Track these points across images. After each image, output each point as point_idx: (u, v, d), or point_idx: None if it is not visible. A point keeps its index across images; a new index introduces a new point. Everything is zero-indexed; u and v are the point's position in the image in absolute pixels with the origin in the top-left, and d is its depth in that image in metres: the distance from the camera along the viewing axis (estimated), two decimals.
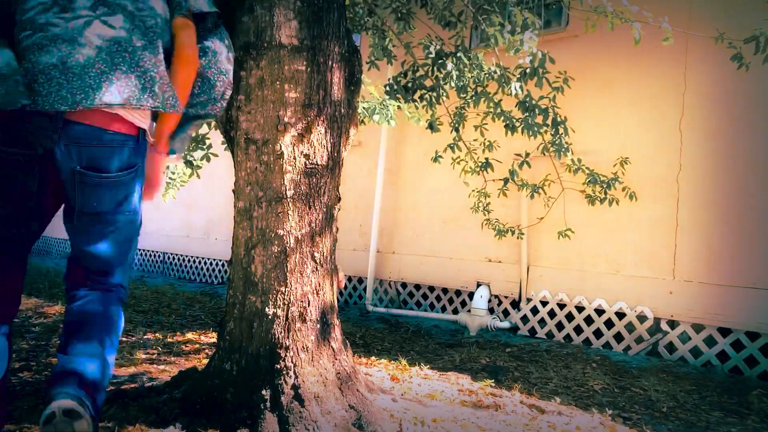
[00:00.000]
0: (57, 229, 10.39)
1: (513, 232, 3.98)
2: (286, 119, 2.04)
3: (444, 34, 3.62)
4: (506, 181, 3.79)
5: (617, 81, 4.01)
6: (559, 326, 4.10)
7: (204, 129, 3.39)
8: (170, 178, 3.47)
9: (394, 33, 3.56)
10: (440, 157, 3.93)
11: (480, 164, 3.80)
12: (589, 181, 3.62)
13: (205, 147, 3.35)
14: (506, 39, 2.97)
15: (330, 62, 2.12)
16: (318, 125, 2.09)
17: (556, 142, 3.50)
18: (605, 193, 3.62)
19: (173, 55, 1.78)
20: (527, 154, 3.71)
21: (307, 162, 2.07)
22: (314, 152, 2.08)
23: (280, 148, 2.03)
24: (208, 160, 3.38)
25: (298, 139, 2.06)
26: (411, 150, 5.13)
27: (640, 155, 3.85)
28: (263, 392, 1.92)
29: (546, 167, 4.02)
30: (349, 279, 5.46)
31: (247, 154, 2.07)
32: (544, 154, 3.69)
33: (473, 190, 4.04)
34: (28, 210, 1.70)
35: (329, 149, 2.13)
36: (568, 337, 4.05)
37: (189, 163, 3.41)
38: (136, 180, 1.74)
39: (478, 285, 4.51)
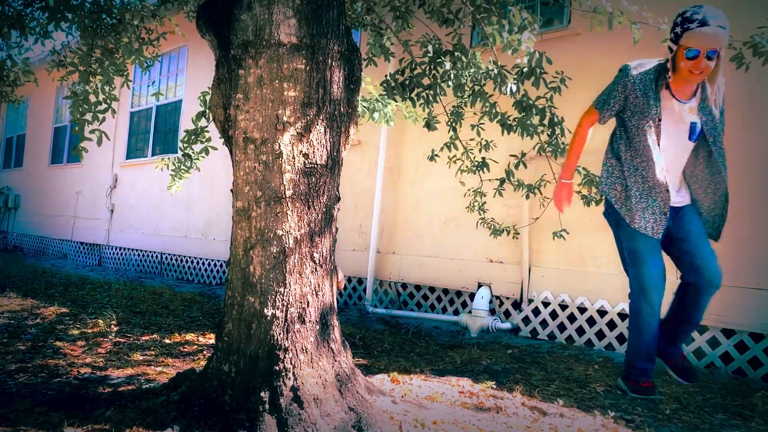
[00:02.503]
0: (54, 229, 10.41)
1: (508, 232, 3.95)
2: (285, 118, 2.02)
3: (443, 33, 3.60)
4: (502, 181, 3.76)
5: None
6: (561, 327, 4.08)
7: (203, 122, 3.38)
8: (172, 171, 3.46)
9: (392, 31, 3.53)
10: (436, 155, 3.90)
11: (476, 164, 3.78)
12: (585, 182, 3.59)
13: (204, 140, 3.34)
14: (504, 38, 2.95)
15: (329, 60, 2.09)
16: (317, 124, 2.06)
17: (553, 143, 3.48)
18: (601, 195, 3.58)
19: None
20: (523, 155, 3.68)
21: (306, 161, 2.05)
22: (313, 152, 2.06)
23: (279, 148, 2.01)
24: (207, 153, 3.36)
25: (297, 138, 2.03)
26: (411, 150, 5.11)
27: None
28: (262, 394, 1.90)
29: (545, 167, 4.00)
30: (349, 280, 5.43)
31: (246, 153, 2.05)
32: (541, 154, 3.67)
33: (469, 190, 4.02)
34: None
35: (329, 148, 2.11)
36: (570, 338, 4.02)
37: (187, 156, 3.40)
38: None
39: (479, 286, 4.49)
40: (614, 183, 2.76)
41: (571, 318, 4.04)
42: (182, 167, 3.43)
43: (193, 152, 3.41)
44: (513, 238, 4.10)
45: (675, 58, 2.55)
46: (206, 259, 7.12)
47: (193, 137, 3.35)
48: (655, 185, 2.60)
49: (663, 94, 2.63)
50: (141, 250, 8.28)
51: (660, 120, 2.61)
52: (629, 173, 2.67)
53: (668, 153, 2.67)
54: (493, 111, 3.44)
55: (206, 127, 3.39)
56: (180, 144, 3.45)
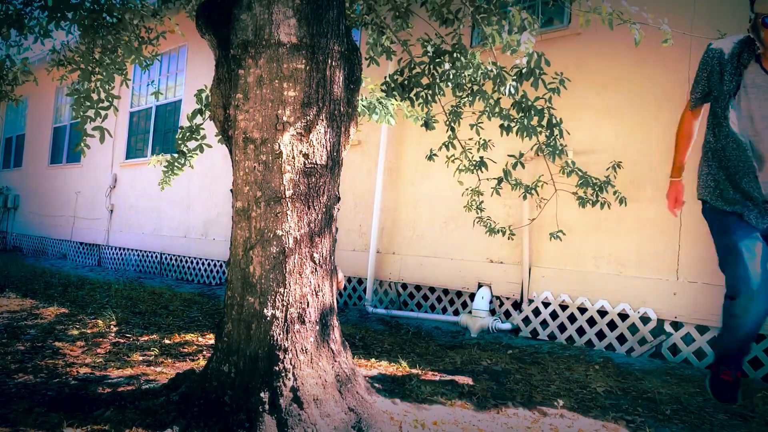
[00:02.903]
0: (53, 229, 10.39)
1: (504, 232, 3.94)
2: (285, 118, 2.01)
3: (443, 32, 3.59)
4: (500, 180, 3.76)
5: (620, 79, 3.98)
6: (562, 328, 4.07)
7: (198, 120, 3.37)
8: (164, 168, 3.44)
9: (392, 30, 3.53)
10: (435, 155, 3.90)
11: (474, 163, 3.77)
12: (580, 184, 3.58)
13: (199, 137, 3.32)
14: (504, 39, 2.95)
15: (329, 60, 2.09)
16: (317, 124, 2.06)
17: (551, 144, 3.47)
18: (597, 196, 3.57)
19: None
20: (521, 155, 3.67)
21: (306, 161, 2.04)
22: (313, 151, 2.06)
23: (279, 148, 2.00)
24: (201, 150, 3.35)
25: (297, 138, 2.03)
26: (411, 149, 5.10)
27: (643, 155, 3.82)
28: (261, 394, 1.89)
29: (543, 167, 3.99)
30: (349, 280, 5.43)
31: (246, 153, 2.04)
32: (538, 155, 3.66)
33: (467, 189, 4.01)
34: None
35: (329, 148, 2.10)
36: (570, 338, 4.02)
37: (182, 153, 3.39)
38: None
39: (480, 286, 4.48)
40: (707, 180, 2.48)
41: (572, 318, 4.04)
42: (176, 164, 3.41)
43: (188, 149, 3.39)
44: (508, 238, 4.08)
45: (755, 29, 2.26)
46: (206, 260, 7.12)
47: (188, 134, 3.34)
48: (747, 172, 2.30)
49: (751, 68, 2.32)
50: (140, 251, 8.27)
51: (740, 97, 2.32)
52: (722, 165, 2.38)
53: (761, 135, 2.32)
54: (496, 108, 3.44)
55: (201, 124, 3.37)
56: (177, 141, 3.44)
